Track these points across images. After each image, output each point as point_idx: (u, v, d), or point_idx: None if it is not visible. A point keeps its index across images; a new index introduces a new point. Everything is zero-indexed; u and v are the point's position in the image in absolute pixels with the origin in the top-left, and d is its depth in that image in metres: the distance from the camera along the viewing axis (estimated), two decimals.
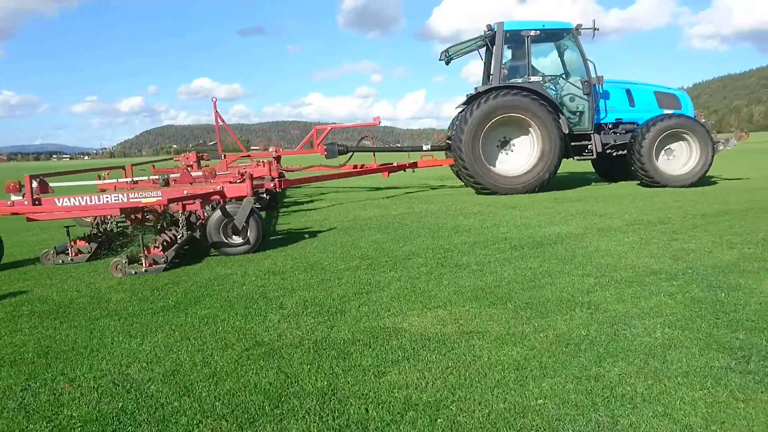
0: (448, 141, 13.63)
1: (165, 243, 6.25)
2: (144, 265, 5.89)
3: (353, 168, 13.92)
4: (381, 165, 13.42)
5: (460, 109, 13.98)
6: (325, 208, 11.21)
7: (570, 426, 2.46)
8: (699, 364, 3.03)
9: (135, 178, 9.99)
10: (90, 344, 3.75)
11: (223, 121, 15.32)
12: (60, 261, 6.68)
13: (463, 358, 3.24)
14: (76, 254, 6.78)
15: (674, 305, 4.01)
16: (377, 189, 15.37)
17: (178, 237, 6.63)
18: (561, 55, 13.31)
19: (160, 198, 6.57)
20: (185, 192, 6.92)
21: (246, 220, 6.63)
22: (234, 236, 6.76)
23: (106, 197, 6.73)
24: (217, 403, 2.81)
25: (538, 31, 12.52)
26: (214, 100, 14.99)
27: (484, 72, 14.25)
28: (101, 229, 7.49)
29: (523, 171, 12.21)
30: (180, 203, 6.71)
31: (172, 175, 9.37)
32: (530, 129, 12.20)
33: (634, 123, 12.86)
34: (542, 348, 3.34)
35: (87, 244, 6.95)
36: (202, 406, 2.80)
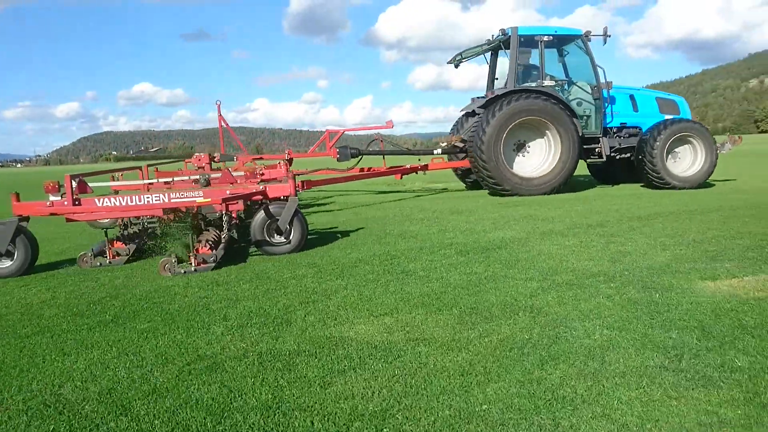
0: (456, 145, 13.95)
1: (212, 242, 6.26)
2: (193, 264, 5.97)
3: (360, 171, 13.97)
4: (390, 168, 13.56)
5: (463, 113, 14.51)
6: None
7: (513, 430, 2.50)
8: (635, 364, 3.13)
9: (146, 181, 9.76)
10: (19, 363, 3.56)
11: (227, 124, 14.93)
12: (98, 263, 6.59)
13: (409, 365, 3.25)
14: (114, 256, 6.74)
15: (612, 307, 4.14)
16: (382, 193, 15.46)
17: (222, 236, 6.57)
18: (563, 60, 13.71)
19: (214, 198, 6.53)
20: (228, 192, 6.83)
21: (290, 220, 6.71)
22: (277, 236, 6.83)
23: (148, 197, 6.68)
24: (156, 422, 2.71)
25: (551, 37, 12.86)
26: (218, 103, 14.57)
27: (489, 75, 14.67)
28: (128, 231, 7.28)
29: (542, 173, 12.52)
30: (224, 203, 6.53)
31: (213, 175, 9.18)
32: (547, 132, 12.53)
33: (637, 127, 13.40)
34: (487, 353, 3.38)
35: (125, 246, 6.90)
36: (140, 425, 2.69)
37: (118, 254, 6.77)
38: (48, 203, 6.62)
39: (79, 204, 6.55)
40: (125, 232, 7.16)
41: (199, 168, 11.97)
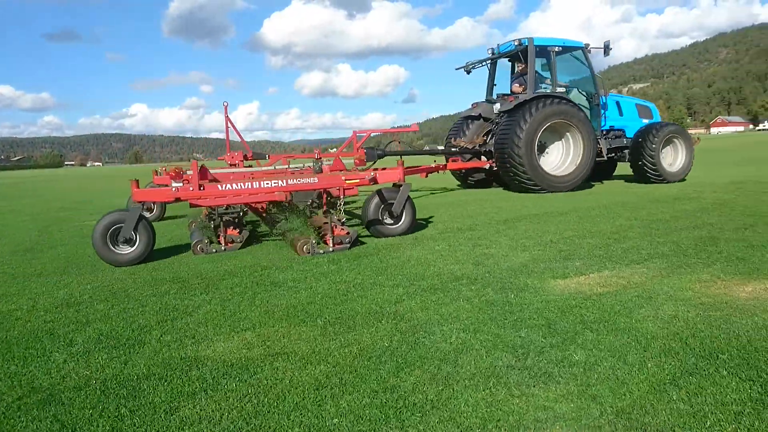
0: (467, 147, 14.60)
1: (341, 224, 6.83)
2: (331, 245, 6.58)
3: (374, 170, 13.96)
4: (408, 168, 13.58)
5: (465, 117, 15.32)
6: None
7: None
8: (485, 365, 3.25)
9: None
10: None
11: (233, 126, 14.15)
12: (213, 250, 6.95)
13: (264, 383, 3.15)
14: (229, 243, 7.11)
15: (471, 309, 4.29)
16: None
17: (342, 219, 6.95)
18: (552, 68, 14.39)
19: (362, 180, 7.32)
20: (343, 177, 7.27)
21: (403, 205, 7.41)
22: (388, 218, 7.46)
23: (267, 183, 6.96)
24: None
25: (560, 47, 13.92)
26: (225, 104, 13.79)
27: (488, 82, 15.56)
28: (223, 220, 7.29)
29: (567, 171, 13.35)
30: (340, 188, 7.20)
31: (325, 163, 9.60)
32: (567, 133, 13.41)
33: (621, 130, 14.79)
34: (345, 364, 3.36)
35: (238, 233, 7.26)
36: None
37: (233, 241, 7.14)
38: (173, 189, 6.88)
39: (204, 189, 6.89)
40: (222, 221, 7.22)
41: (231, 165, 12.40)
